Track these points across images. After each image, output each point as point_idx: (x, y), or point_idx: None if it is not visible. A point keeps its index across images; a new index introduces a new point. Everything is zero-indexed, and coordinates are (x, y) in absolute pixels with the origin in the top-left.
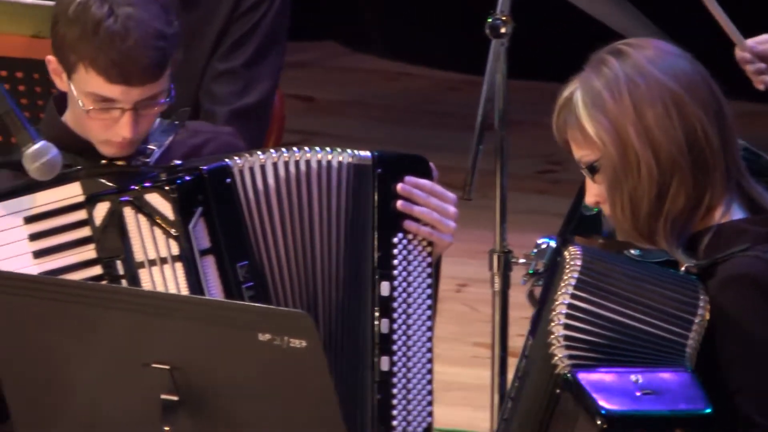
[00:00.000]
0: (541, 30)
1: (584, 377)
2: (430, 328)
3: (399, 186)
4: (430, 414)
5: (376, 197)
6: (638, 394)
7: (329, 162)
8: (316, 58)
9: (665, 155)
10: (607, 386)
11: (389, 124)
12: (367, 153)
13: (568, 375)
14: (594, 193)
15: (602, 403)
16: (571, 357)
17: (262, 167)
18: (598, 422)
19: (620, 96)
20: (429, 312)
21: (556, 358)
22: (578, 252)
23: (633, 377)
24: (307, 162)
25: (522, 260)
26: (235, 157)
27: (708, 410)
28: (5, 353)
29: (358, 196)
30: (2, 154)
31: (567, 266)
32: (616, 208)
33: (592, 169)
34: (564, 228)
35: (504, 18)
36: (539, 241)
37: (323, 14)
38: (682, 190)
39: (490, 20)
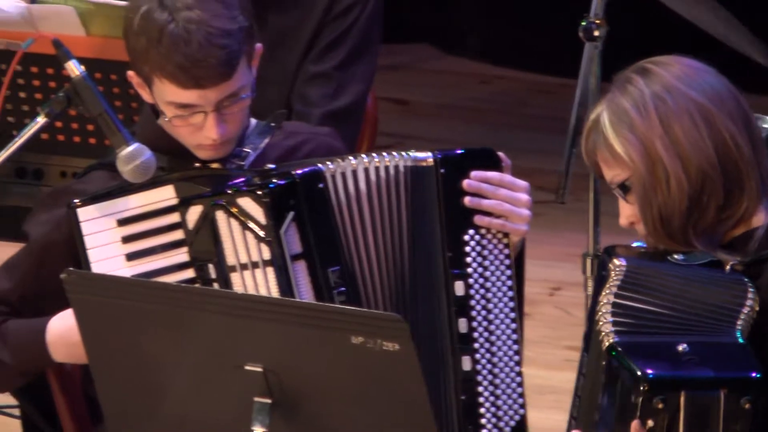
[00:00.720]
0: (635, 32)
1: (628, 345)
2: (514, 320)
3: (465, 182)
4: (522, 406)
5: (441, 197)
6: (683, 360)
7: (387, 166)
8: (410, 60)
9: (695, 168)
10: (651, 353)
11: (482, 126)
12: (428, 154)
13: (613, 345)
14: (627, 214)
15: (644, 367)
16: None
17: (354, 172)
18: (641, 387)
19: (647, 112)
20: (512, 304)
21: (603, 337)
22: (623, 263)
23: (680, 347)
24: (396, 167)
25: None
26: (328, 162)
27: (758, 375)
28: (99, 355)
29: (424, 198)
30: (97, 156)
31: (612, 276)
32: (648, 224)
33: (624, 189)
34: None
35: (598, 21)
36: (633, 245)
37: (417, 17)
38: (713, 201)
39: (584, 23)
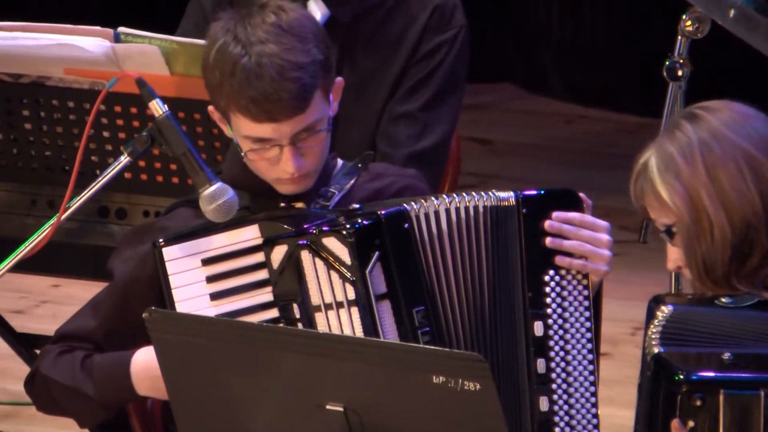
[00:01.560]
0: (719, 72)
1: (671, 353)
2: (591, 362)
3: (547, 223)
4: None
5: (523, 237)
6: (725, 364)
7: (467, 207)
8: (493, 100)
9: (739, 218)
10: (692, 358)
11: (565, 166)
12: (510, 193)
13: (657, 354)
14: (673, 258)
15: (684, 367)
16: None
17: (436, 213)
18: (680, 386)
19: (693, 160)
20: (590, 345)
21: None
22: (670, 308)
23: (724, 355)
24: (475, 208)
25: None
26: (412, 202)
27: None
28: (180, 393)
29: (506, 238)
30: (180, 195)
31: (659, 319)
32: (693, 270)
33: (670, 234)
34: None
35: (682, 61)
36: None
37: (500, 57)
38: (757, 249)
39: (667, 63)
